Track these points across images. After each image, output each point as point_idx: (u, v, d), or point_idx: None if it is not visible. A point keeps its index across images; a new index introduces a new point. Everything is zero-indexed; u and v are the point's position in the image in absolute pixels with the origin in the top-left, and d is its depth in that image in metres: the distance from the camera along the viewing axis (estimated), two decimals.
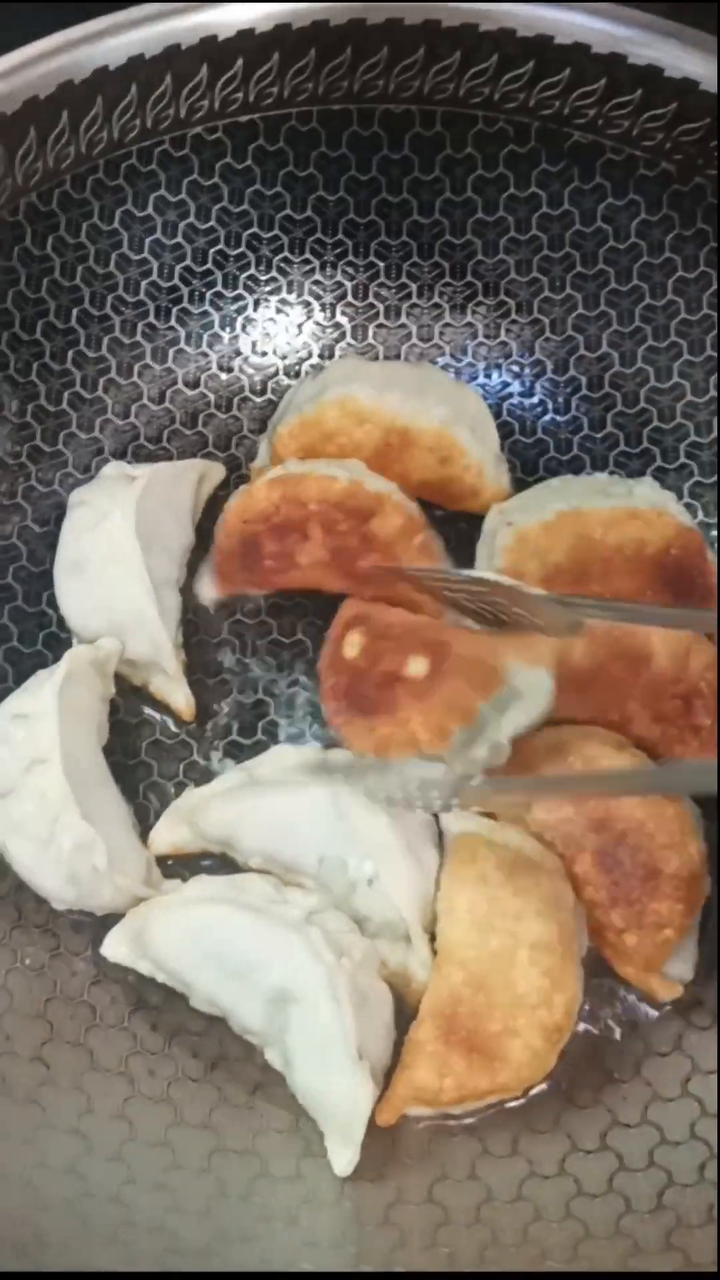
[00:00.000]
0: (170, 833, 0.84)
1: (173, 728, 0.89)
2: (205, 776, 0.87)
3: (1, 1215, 0.67)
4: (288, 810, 0.81)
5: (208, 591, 0.92)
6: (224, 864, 0.84)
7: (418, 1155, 0.75)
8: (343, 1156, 0.73)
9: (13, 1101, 0.74)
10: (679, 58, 0.87)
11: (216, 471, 0.95)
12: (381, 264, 0.99)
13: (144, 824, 0.85)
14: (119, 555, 0.86)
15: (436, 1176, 0.75)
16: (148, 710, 0.90)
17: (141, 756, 0.88)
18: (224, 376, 1.00)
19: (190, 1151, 0.74)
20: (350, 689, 0.84)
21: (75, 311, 0.95)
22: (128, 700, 0.89)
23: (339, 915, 0.78)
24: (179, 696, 0.89)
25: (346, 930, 0.77)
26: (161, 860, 0.84)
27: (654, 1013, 0.80)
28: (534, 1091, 0.77)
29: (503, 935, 0.76)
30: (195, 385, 0.99)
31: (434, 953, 0.78)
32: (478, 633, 0.83)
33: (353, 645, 0.85)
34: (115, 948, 0.79)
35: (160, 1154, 0.74)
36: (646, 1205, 0.72)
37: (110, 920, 0.81)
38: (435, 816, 0.83)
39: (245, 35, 0.89)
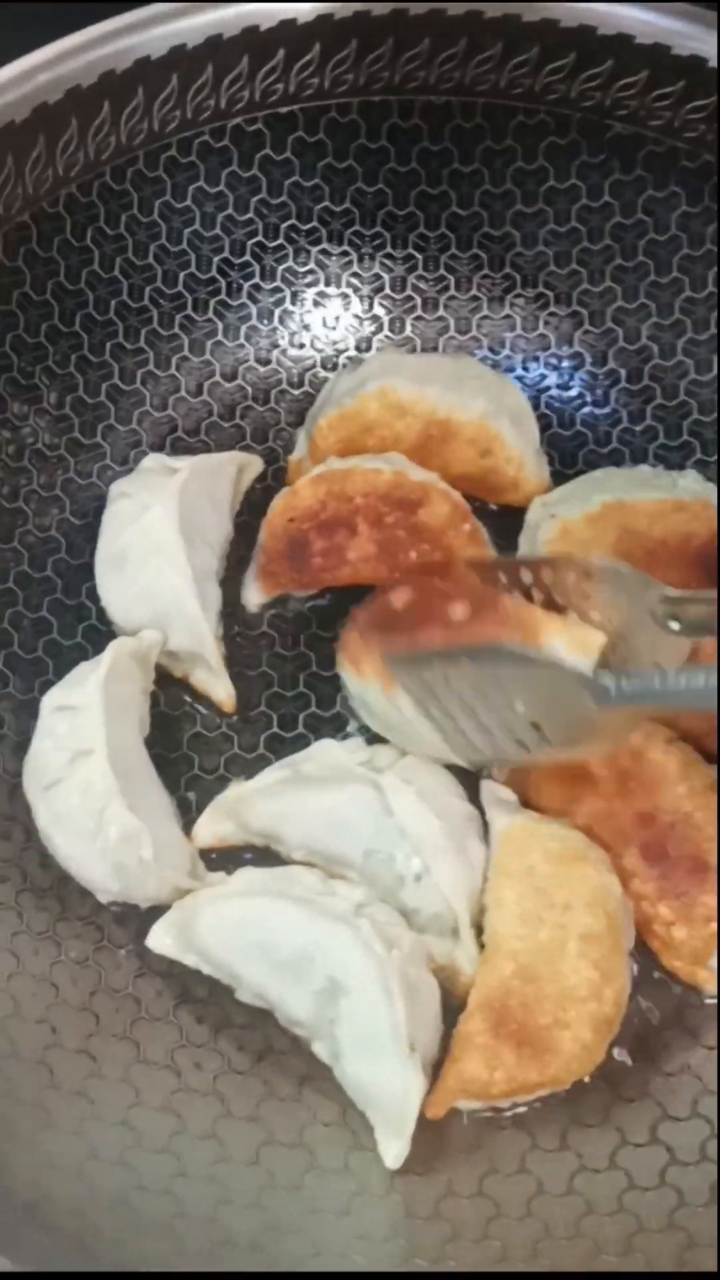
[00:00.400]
0: (214, 825, 0.83)
1: (214, 720, 0.89)
2: (247, 769, 0.86)
3: (55, 1206, 0.67)
4: (334, 805, 0.81)
5: (253, 596, 0.91)
6: (267, 857, 0.83)
7: (467, 1149, 0.75)
8: (393, 1149, 0.72)
9: (60, 1093, 0.73)
10: None
11: (255, 464, 0.95)
12: (420, 256, 0.99)
13: (185, 816, 0.85)
14: (160, 547, 0.86)
15: (486, 1170, 0.74)
16: (189, 703, 0.89)
17: (183, 749, 0.88)
18: (262, 369, 0.99)
19: (239, 1144, 0.74)
20: (382, 624, 0.82)
21: (114, 303, 0.95)
22: (169, 692, 0.89)
23: (387, 908, 0.77)
24: (220, 689, 0.88)
25: (395, 923, 0.77)
26: (205, 853, 0.83)
27: (699, 1006, 0.79)
28: (582, 1085, 0.76)
29: (551, 927, 0.75)
30: (233, 378, 0.99)
31: (481, 946, 0.77)
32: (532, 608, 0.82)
33: (400, 597, 0.84)
34: (161, 939, 0.78)
35: (209, 1146, 0.73)
36: (700, 1198, 0.71)
37: (154, 913, 0.80)
38: (482, 813, 0.82)
39: (287, 25, 0.88)
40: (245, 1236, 0.69)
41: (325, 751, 0.84)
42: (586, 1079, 0.76)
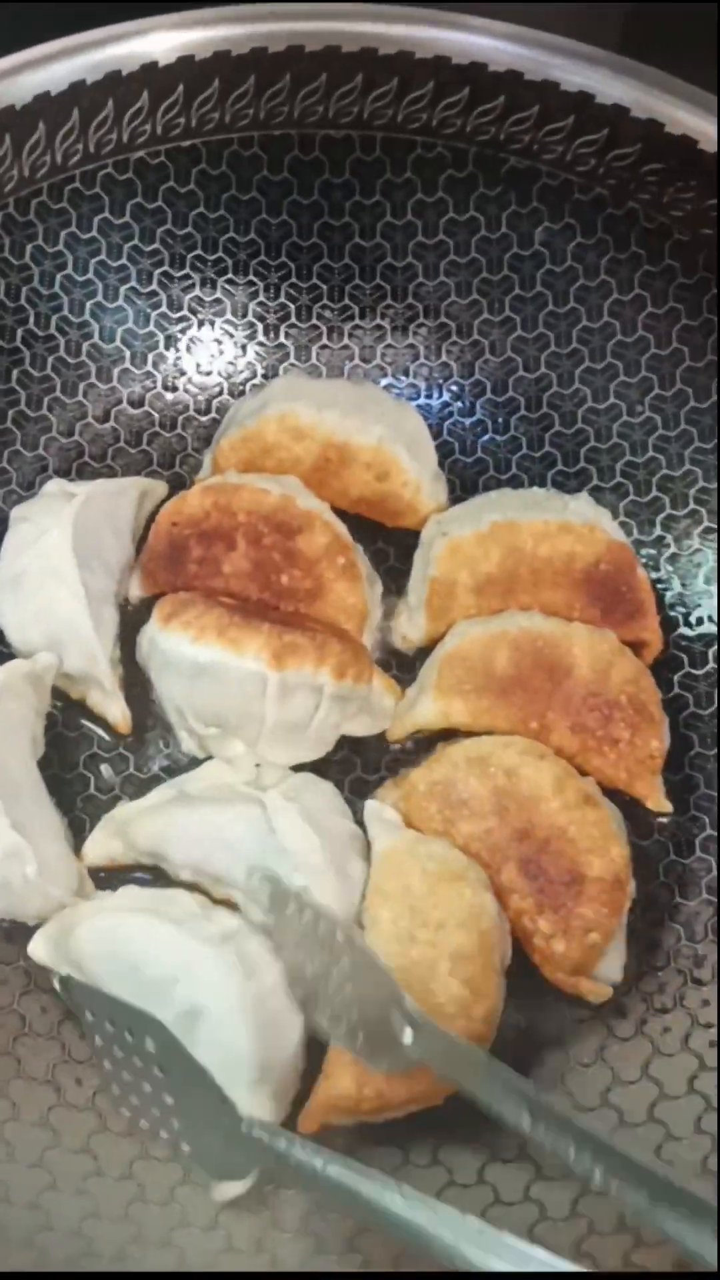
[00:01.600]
0: (103, 844, 0.85)
1: (111, 741, 0.90)
2: (142, 790, 0.87)
3: None
4: (220, 824, 0.81)
5: (134, 591, 0.93)
6: (157, 878, 0.84)
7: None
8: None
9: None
10: (610, 84, 0.89)
11: (159, 489, 0.96)
12: (324, 285, 1.01)
13: (79, 836, 0.86)
14: (55, 570, 0.87)
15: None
16: (87, 724, 0.90)
17: (79, 769, 0.89)
18: (169, 396, 1.01)
19: (112, 1159, 0.75)
20: (245, 610, 0.86)
21: (20, 331, 0.96)
22: (68, 714, 0.90)
23: (260, 939, 0.78)
24: (115, 711, 0.89)
25: (265, 952, 0.77)
26: (95, 872, 0.85)
27: (574, 1022, 0.81)
28: (452, 1101, 0.77)
29: (424, 945, 0.76)
30: (140, 404, 1.00)
31: None
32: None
33: (227, 600, 0.88)
34: (38, 948, 0.79)
35: (82, 1161, 0.74)
36: (561, 1213, 0.72)
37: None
38: (364, 828, 0.84)
39: (185, 62, 0.91)
40: (109, 1250, 0.70)
41: (211, 771, 0.85)
42: (457, 1095, 0.76)
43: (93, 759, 0.89)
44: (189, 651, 0.84)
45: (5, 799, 0.79)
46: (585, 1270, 0.64)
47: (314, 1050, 0.77)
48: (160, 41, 0.90)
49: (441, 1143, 0.76)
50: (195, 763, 0.88)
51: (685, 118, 0.88)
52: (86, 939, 0.78)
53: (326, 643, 0.84)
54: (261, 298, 1.01)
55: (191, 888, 0.83)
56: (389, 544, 0.96)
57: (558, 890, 0.79)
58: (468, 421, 1.00)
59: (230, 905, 0.82)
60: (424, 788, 0.83)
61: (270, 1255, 0.72)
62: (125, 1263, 0.70)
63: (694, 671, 0.91)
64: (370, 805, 0.84)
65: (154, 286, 0.99)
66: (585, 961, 0.79)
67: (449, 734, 0.87)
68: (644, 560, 0.92)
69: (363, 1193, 0.64)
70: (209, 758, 0.88)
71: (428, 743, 0.88)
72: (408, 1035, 0.69)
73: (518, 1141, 0.76)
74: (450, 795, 0.82)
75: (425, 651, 0.91)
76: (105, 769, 0.89)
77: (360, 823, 0.84)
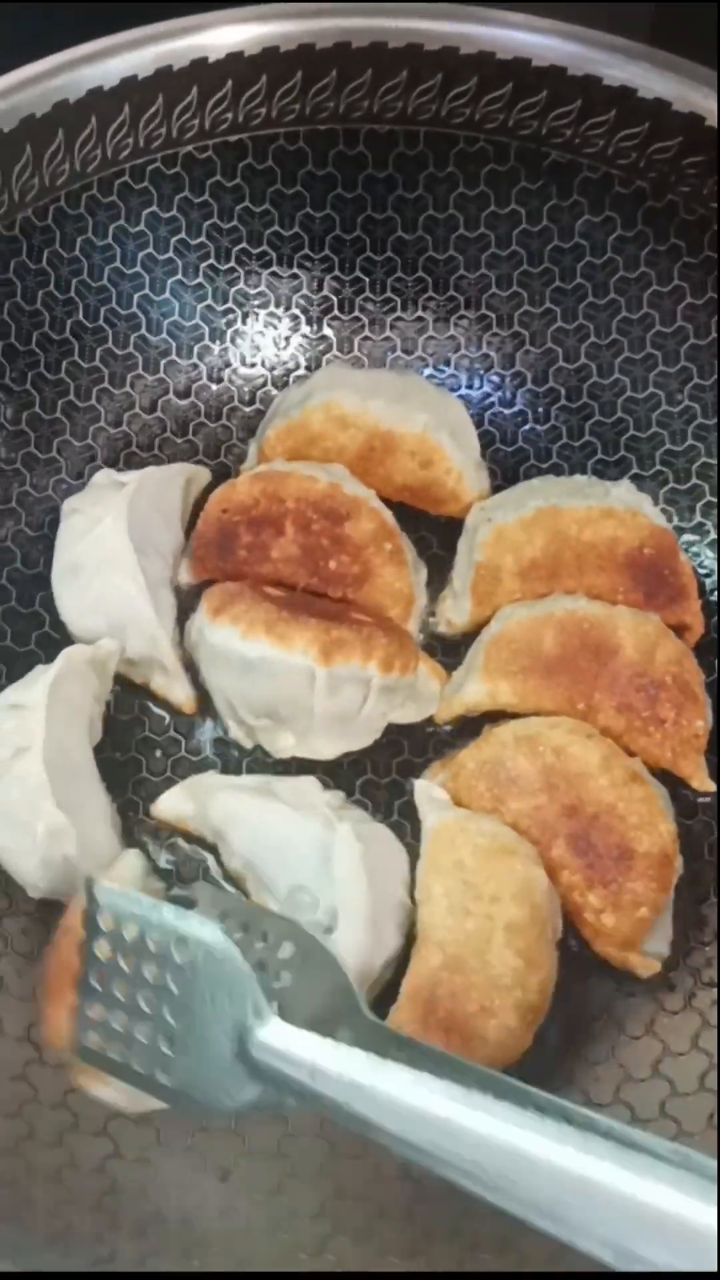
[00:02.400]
0: (179, 803, 0.86)
1: (166, 726, 0.91)
2: (194, 771, 0.89)
3: None
4: (286, 828, 0.82)
5: (184, 577, 0.94)
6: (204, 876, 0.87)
7: None
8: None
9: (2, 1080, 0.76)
10: (651, 79, 0.90)
11: (202, 475, 0.98)
12: (367, 278, 1.02)
13: (133, 817, 0.88)
14: (113, 558, 0.89)
15: None
16: (144, 708, 0.92)
17: (132, 753, 0.90)
18: (214, 387, 1.03)
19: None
20: (291, 604, 0.88)
21: (70, 323, 0.98)
22: (128, 699, 0.92)
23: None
24: (180, 692, 0.91)
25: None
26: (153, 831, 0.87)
27: (626, 996, 0.82)
28: (508, 1072, 0.78)
29: (478, 918, 0.78)
30: (186, 395, 1.02)
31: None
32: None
33: (274, 591, 0.90)
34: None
35: (145, 1131, 0.76)
36: None
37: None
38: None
39: (234, 57, 0.92)
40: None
41: (303, 786, 0.86)
42: (513, 1066, 0.78)
43: (145, 743, 0.91)
44: (237, 646, 0.86)
45: (56, 780, 0.81)
46: (589, 1272, 0.66)
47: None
48: (210, 38, 0.92)
49: None
50: (243, 750, 0.90)
51: None
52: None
53: (373, 636, 0.86)
54: (305, 290, 1.03)
55: (232, 880, 0.85)
56: (432, 531, 0.98)
57: (607, 865, 0.80)
58: (508, 411, 1.02)
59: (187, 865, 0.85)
60: (473, 766, 0.84)
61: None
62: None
63: None
64: (420, 784, 0.86)
65: (200, 279, 1.01)
66: (634, 936, 0.80)
67: (495, 715, 0.88)
68: (684, 546, 0.94)
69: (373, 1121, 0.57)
70: (257, 746, 0.90)
71: (474, 724, 0.89)
72: None
73: None
74: (499, 774, 0.83)
75: (470, 635, 0.93)
76: (158, 753, 0.90)
77: (412, 895, 0.83)
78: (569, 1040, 0.81)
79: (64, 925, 0.72)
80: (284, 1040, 0.61)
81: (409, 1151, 0.55)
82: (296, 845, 0.82)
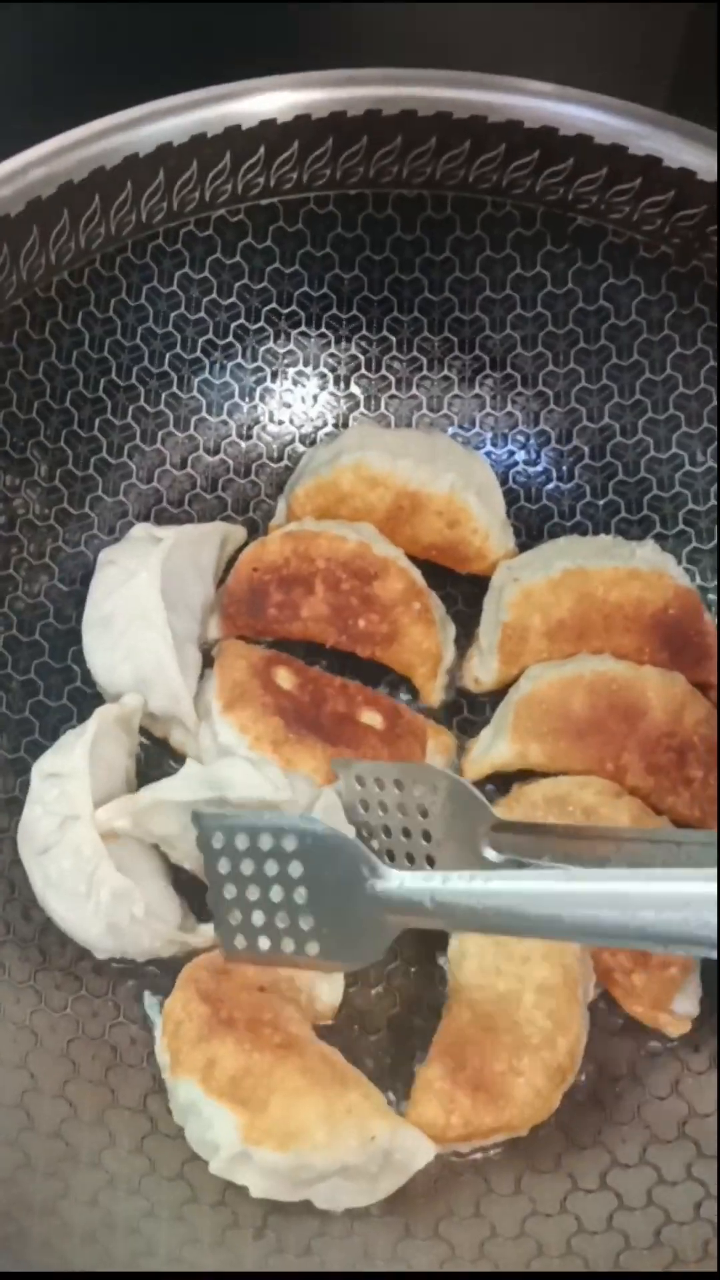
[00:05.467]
0: (112, 819, 0.84)
1: None
2: None
3: (33, 1244, 0.70)
4: None
5: (211, 632, 0.96)
6: None
7: (425, 1193, 0.78)
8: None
9: (38, 1136, 0.76)
10: (677, 148, 0.92)
11: (238, 534, 0.99)
12: (394, 338, 1.04)
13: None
14: (144, 613, 0.90)
15: (443, 1214, 0.77)
16: (170, 763, 0.93)
17: None
18: (243, 444, 1.04)
19: (205, 1186, 0.77)
20: (300, 716, 0.88)
21: (103, 381, 1.00)
22: (151, 753, 0.93)
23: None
24: (196, 749, 0.92)
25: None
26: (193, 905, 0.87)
27: (650, 1056, 0.83)
28: (537, 1132, 0.79)
29: (509, 978, 0.79)
30: (216, 452, 1.04)
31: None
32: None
33: (285, 679, 0.91)
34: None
35: (178, 1188, 0.76)
36: (645, 1242, 0.74)
37: (131, 965, 0.85)
38: None
39: (267, 125, 0.94)
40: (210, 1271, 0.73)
41: (251, 780, 0.84)
42: (542, 1125, 0.79)
43: None
44: (244, 752, 0.87)
45: (110, 843, 0.82)
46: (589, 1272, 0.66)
47: (401, 1076, 0.81)
48: (244, 105, 0.94)
49: (524, 1172, 0.78)
50: None
51: None
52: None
53: (377, 758, 0.87)
54: (333, 349, 1.05)
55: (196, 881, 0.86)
56: (457, 588, 0.99)
57: None
58: (533, 470, 1.03)
59: None
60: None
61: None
62: None
63: None
64: None
65: (230, 338, 1.03)
66: (664, 995, 0.81)
67: (524, 774, 0.89)
68: (708, 605, 0.95)
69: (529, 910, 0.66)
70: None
71: (503, 782, 0.90)
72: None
73: (599, 1171, 0.78)
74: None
75: (495, 693, 0.94)
76: None
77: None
78: (595, 1099, 0.81)
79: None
80: (401, 884, 0.72)
81: (511, 924, 0.68)
82: None
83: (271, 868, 0.77)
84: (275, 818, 0.78)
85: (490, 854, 0.79)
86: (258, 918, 0.78)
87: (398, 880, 0.73)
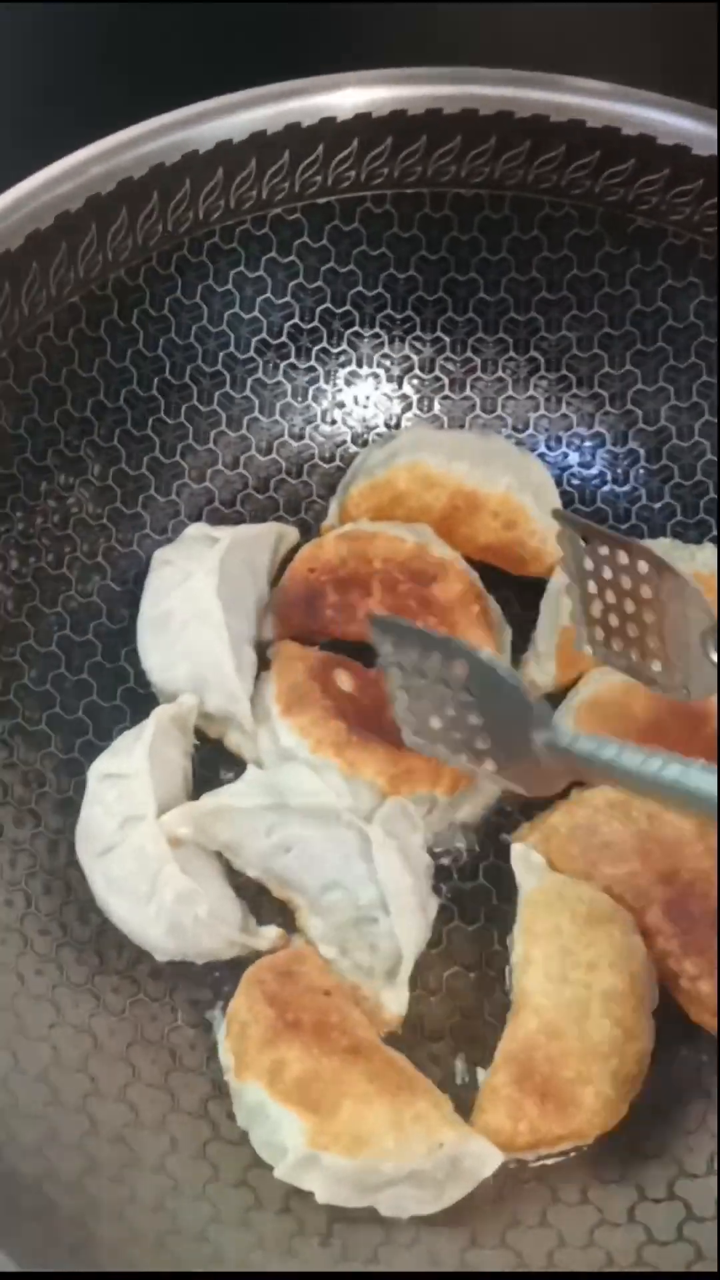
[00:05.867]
0: (175, 826, 0.84)
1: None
2: None
3: (103, 1250, 0.69)
4: (310, 839, 0.83)
5: (267, 633, 0.95)
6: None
7: (491, 1202, 0.77)
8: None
9: (102, 1140, 0.76)
10: None
11: (292, 535, 0.99)
12: (448, 338, 1.04)
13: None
14: (201, 613, 0.90)
15: (509, 1222, 0.76)
16: (224, 764, 0.92)
17: None
18: (295, 444, 1.04)
19: (270, 1192, 0.76)
20: (362, 718, 0.88)
21: (156, 381, 0.99)
22: (205, 754, 0.92)
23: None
24: (252, 750, 0.91)
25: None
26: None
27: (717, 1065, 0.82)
28: (602, 1141, 0.78)
29: (576, 986, 0.78)
30: (268, 452, 1.03)
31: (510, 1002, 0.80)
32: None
33: (345, 681, 0.90)
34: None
35: (242, 1194, 0.76)
36: (715, 1252, 0.73)
37: (188, 968, 0.84)
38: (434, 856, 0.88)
39: (327, 123, 0.93)
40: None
41: (313, 787, 0.84)
42: (608, 1135, 0.78)
43: None
44: (306, 756, 0.86)
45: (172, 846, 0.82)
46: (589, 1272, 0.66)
47: (466, 1087, 0.80)
48: (305, 103, 0.93)
49: (590, 1182, 0.78)
50: None
51: None
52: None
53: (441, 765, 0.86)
54: (387, 349, 1.04)
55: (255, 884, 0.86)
56: (511, 591, 0.98)
57: (702, 932, 0.80)
58: (587, 472, 1.03)
59: (286, 907, 0.85)
60: (566, 831, 0.85)
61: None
62: None
63: None
64: (516, 849, 0.85)
65: (284, 338, 1.02)
66: None
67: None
68: None
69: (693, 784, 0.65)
70: None
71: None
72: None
73: (667, 1180, 0.77)
74: (593, 838, 0.83)
75: (552, 697, 0.93)
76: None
77: (431, 851, 0.88)
78: (661, 1107, 0.80)
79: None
80: (573, 742, 0.70)
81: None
82: (324, 852, 0.83)
83: (444, 690, 0.75)
84: (438, 635, 0.75)
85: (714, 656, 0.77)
86: (435, 722, 0.77)
87: (568, 738, 0.71)
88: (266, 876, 0.85)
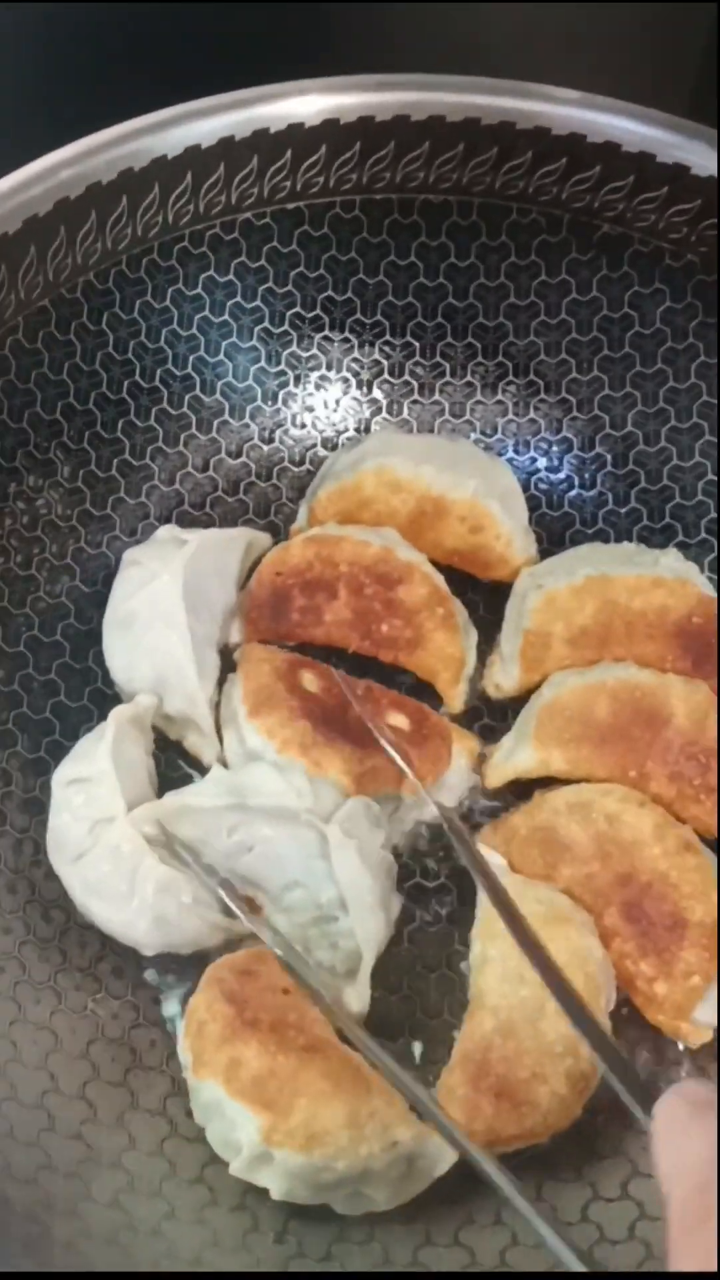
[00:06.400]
0: (140, 825, 0.84)
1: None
2: None
3: (57, 1245, 0.70)
4: (271, 838, 0.84)
5: (234, 636, 0.96)
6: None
7: (446, 1199, 0.77)
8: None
9: (59, 1137, 0.76)
10: (706, 157, 0.92)
11: (263, 540, 0.99)
12: (417, 343, 1.04)
13: None
14: (165, 615, 0.90)
15: (463, 1221, 0.77)
16: (184, 766, 0.93)
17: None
18: (265, 447, 1.05)
19: (225, 1189, 0.77)
20: (328, 718, 0.88)
21: (127, 383, 1.00)
22: (168, 755, 0.93)
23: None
24: (210, 754, 0.92)
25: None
26: None
27: (670, 1066, 0.83)
28: (557, 1140, 0.79)
29: (532, 985, 0.78)
30: (238, 455, 1.04)
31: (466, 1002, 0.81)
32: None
33: (310, 682, 0.91)
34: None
35: (198, 1191, 0.76)
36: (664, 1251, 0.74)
37: (147, 963, 0.85)
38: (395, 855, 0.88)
39: (295, 128, 0.94)
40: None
41: (273, 786, 0.85)
42: (562, 1134, 0.78)
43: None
44: (272, 757, 0.87)
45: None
46: (589, 1272, 0.66)
47: (421, 1083, 0.79)
48: (272, 109, 0.94)
49: (544, 1180, 0.78)
50: None
51: None
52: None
53: (406, 757, 0.87)
54: (356, 354, 1.05)
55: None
56: (478, 594, 0.99)
57: (660, 934, 0.81)
58: (555, 477, 1.03)
59: (251, 905, 0.85)
60: (525, 832, 0.85)
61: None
62: None
63: None
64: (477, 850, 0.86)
65: (254, 342, 1.03)
66: (686, 1004, 0.81)
67: (545, 781, 0.89)
68: None
69: None
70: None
71: (524, 789, 0.90)
72: None
73: (621, 1180, 0.78)
74: (552, 840, 0.84)
75: (516, 699, 0.94)
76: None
77: (396, 850, 0.88)
78: (615, 1107, 0.80)
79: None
80: None
81: None
82: (285, 851, 0.83)
83: None
84: None
85: None
86: None
87: None
88: (230, 875, 0.86)
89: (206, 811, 0.84)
